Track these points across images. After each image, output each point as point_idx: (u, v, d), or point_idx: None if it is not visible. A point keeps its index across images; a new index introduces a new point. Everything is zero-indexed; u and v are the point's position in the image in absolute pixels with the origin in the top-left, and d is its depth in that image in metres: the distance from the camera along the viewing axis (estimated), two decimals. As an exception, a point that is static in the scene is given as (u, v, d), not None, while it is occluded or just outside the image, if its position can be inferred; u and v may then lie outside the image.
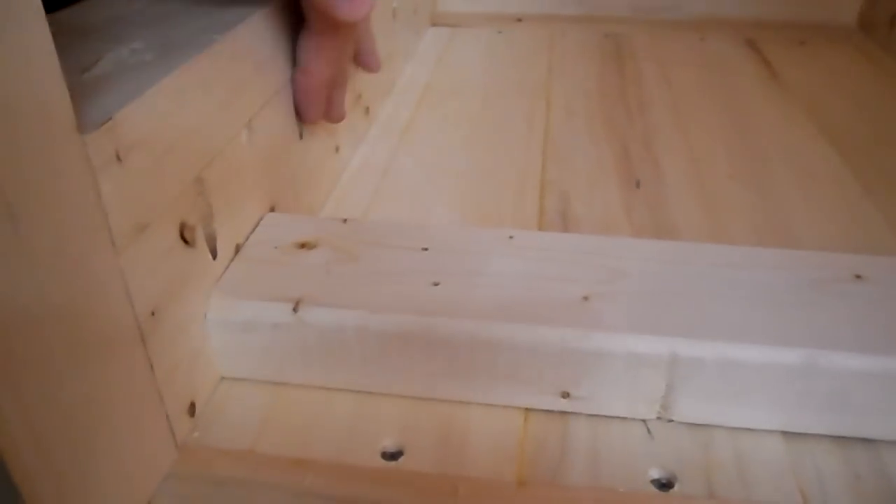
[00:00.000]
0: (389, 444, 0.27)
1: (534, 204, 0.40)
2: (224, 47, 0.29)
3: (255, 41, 0.31)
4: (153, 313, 0.24)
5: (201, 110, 0.27)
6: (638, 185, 0.42)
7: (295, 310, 0.27)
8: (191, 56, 0.26)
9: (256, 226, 0.32)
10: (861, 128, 0.50)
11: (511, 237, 0.31)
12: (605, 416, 0.27)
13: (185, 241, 0.27)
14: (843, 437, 0.27)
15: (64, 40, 0.21)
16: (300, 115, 0.36)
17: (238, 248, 0.31)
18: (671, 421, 0.27)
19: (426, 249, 0.30)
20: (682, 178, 0.43)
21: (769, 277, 0.29)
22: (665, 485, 0.25)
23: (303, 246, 0.31)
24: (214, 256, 0.29)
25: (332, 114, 0.38)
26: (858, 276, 0.29)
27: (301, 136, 0.37)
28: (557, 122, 0.50)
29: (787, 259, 0.30)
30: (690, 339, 0.26)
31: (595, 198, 0.41)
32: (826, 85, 0.57)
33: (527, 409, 0.28)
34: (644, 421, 0.27)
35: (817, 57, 0.62)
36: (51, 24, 0.19)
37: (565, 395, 0.27)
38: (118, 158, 0.22)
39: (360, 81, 0.47)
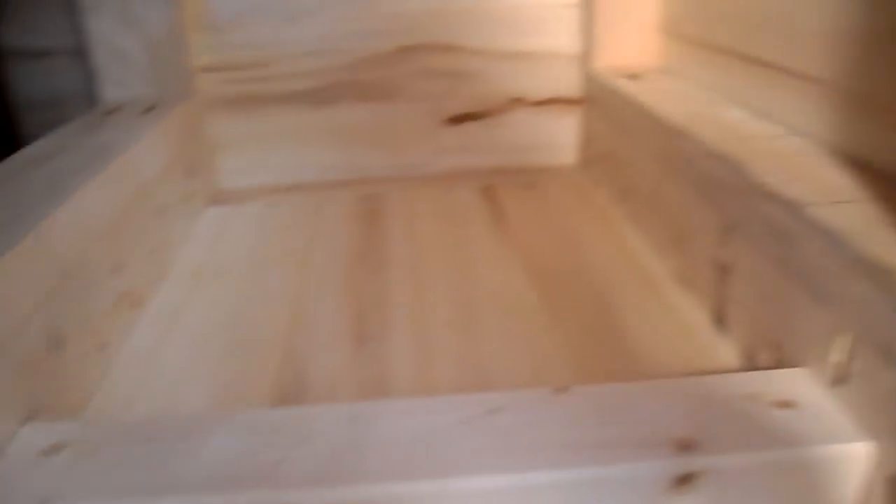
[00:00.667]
0: None
1: (275, 373, 0.47)
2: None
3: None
4: None
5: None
6: (368, 342, 0.50)
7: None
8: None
9: (11, 438, 0.37)
10: (563, 262, 0.61)
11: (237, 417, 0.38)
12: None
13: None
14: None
15: None
16: None
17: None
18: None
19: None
20: (407, 331, 0.52)
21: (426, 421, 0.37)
22: None
23: (53, 449, 0.36)
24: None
25: None
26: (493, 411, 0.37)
27: (59, 348, 0.43)
28: (307, 290, 0.58)
29: (436, 405, 0.38)
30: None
31: (329, 360, 0.49)
32: (544, 224, 0.68)
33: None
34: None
35: (542, 197, 0.75)
36: None
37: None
38: None
39: (131, 273, 0.53)
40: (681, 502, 0.33)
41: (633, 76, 0.71)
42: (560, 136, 0.82)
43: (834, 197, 0.40)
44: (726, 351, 0.48)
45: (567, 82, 0.80)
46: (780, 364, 0.42)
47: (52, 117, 0.76)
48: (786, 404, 0.36)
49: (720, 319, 0.50)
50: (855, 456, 0.33)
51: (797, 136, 0.51)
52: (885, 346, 0.33)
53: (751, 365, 0.46)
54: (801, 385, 0.38)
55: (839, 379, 0.36)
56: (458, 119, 0.81)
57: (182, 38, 0.73)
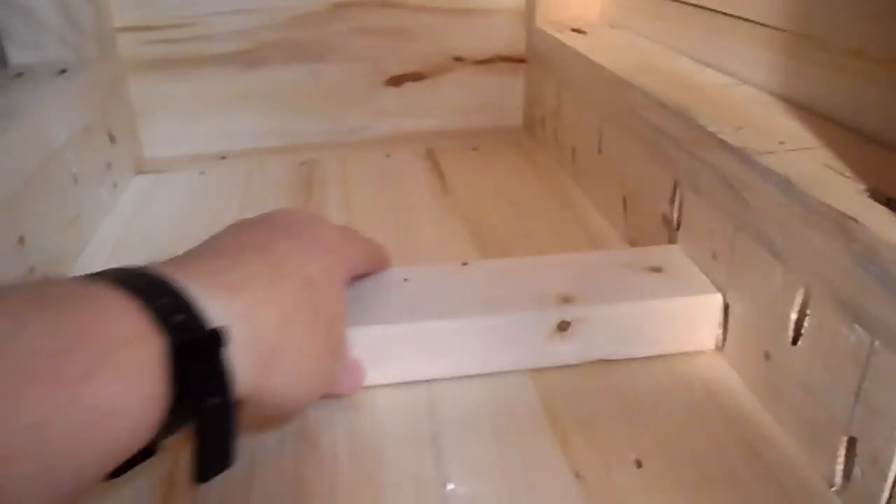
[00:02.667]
0: None
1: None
2: None
3: None
4: None
5: None
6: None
7: None
8: None
9: None
10: (507, 227, 0.58)
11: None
12: None
13: None
14: None
15: None
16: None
17: None
18: None
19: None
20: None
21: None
22: None
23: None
24: None
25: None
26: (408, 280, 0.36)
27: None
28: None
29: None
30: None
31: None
32: (487, 186, 0.65)
33: None
34: None
35: (486, 160, 0.72)
36: None
37: None
38: None
39: (42, 247, 0.49)
40: (562, 344, 0.40)
41: (578, 31, 0.69)
42: (504, 97, 0.79)
43: (786, 145, 0.38)
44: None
45: (510, 40, 0.77)
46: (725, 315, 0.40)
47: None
48: (656, 269, 0.43)
49: (670, 279, 0.48)
50: (709, 304, 0.41)
51: (747, 84, 0.49)
52: (840, 297, 0.31)
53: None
54: (674, 256, 0.45)
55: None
56: (398, 80, 0.77)
57: (97, -4, 0.67)
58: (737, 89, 0.48)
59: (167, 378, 0.23)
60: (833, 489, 0.32)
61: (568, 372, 0.41)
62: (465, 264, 0.44)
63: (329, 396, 0.38)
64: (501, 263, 0.45)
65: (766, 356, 0.37)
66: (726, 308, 0.41)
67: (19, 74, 0.64)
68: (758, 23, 0.48)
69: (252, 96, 0.76)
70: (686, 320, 0.41)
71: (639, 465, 0.34)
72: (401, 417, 0.38)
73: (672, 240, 0.47)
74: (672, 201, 0.46)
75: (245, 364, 0.26)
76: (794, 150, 0.38)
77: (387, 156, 0.73)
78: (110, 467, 0.23)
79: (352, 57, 0.75)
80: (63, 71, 0.64)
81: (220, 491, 0.33)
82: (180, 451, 0.35)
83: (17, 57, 0.68)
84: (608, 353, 0.41)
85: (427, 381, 0.40)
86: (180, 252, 0.31)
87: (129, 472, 0.25)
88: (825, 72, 0.42)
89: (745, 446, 0.35)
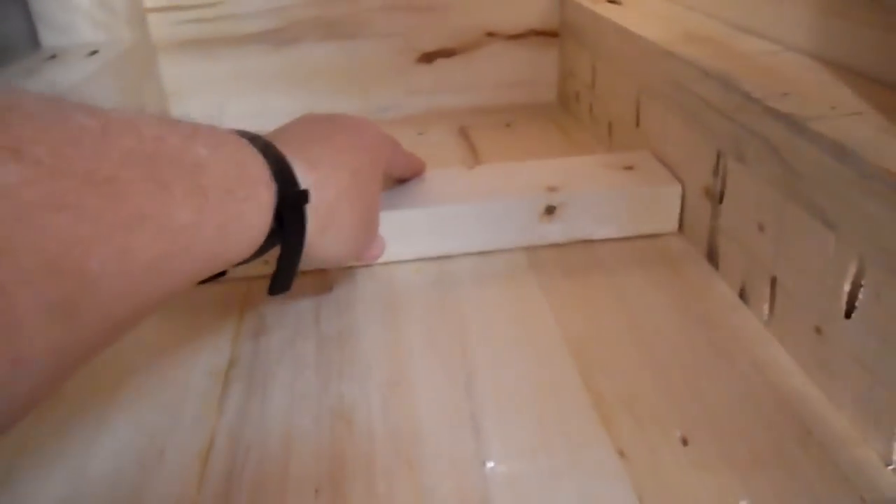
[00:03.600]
0: None
1: (232, 325, 0.44)
2: None
3: None
4: None
5: None
6: (331, 290, 0.46)
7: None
8: None
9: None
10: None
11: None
12: None
13: None
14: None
15: None
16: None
17: None
18: None
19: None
20: (370, 283, 0.48)
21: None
22: None
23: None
24: None
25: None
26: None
27: None
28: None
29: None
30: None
31: (287, 310, 0.45)
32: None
33: None
34: None
35: (520, 137, 0.70)
36: None
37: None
38: None
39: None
40: (549, 224, 0.49)
41: (613, 2, 0.67)
42: (538, 72, 0.77)
43: (837, 110, 0.36)
44: (720, 286, 0.44)
45: (543, 13, 0.75)
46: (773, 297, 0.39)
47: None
48: (629, 168, 0.52)
49: (712, 255, 0.46)
50: (667, 195, 0.50)
51: (791, 51, 0.47)
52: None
53: (745, 300, 0.42)
54: (644, 158, 0.53)
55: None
56: (430, 56, 0.76)
57: (127, -24, 0.67)
58: (781, 55, 0.46)
59: (272, 216, 0.31)
60: (890, 468, 0.31)
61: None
62: (471, 168, 0.53)
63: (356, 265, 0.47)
64: (501, 166, 0.53)
65: (818, 330, 0.35)
66: (773, 281, 0.39)
67: (52, 56, 0.64)
68: (804, -14, 0.46)
69: (284, 75, 0.75)
70: (651, 206, 0.50)
71: (685, 442, 0.33)
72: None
73: (715, 213, 0.45)
74: (715, 172, 0.45)
75: (312, 221, 0.34)
76: (845, 114, 0.36)
77: (419, 133, 0.72)
78: (224, 269, 0.30)
79: (383, 34, 0.74)
80: (94, 52, 0.64)
81: (255, 474, 0.33)
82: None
83: (48, 39, 0.68)
84: (588, 234, 0.50)
85: (438, 257, 0.49)
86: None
87: (212, 282, 0.31)
88: (875, 32, 0.40)
89: (797, 424, 0.34)
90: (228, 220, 0.28)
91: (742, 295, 0.43)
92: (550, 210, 0.48)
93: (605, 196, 0.49)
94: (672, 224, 0.50)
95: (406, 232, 0.48)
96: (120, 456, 0.35)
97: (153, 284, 0.24)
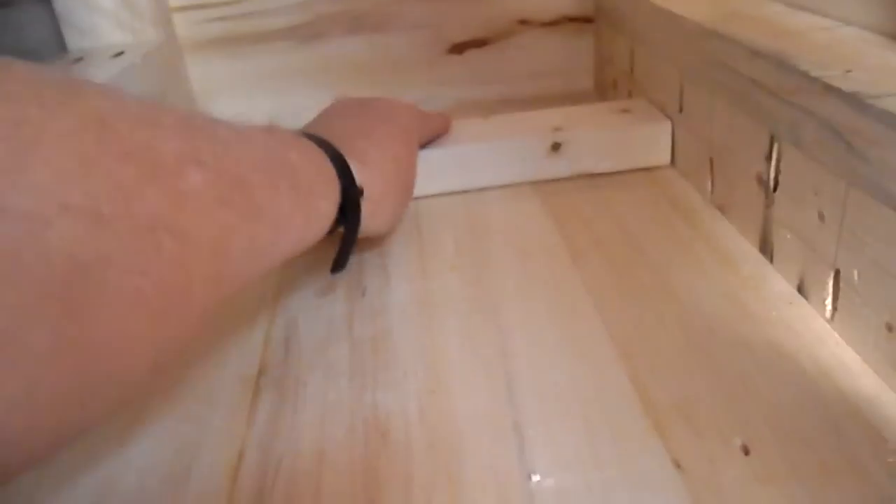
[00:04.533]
0: None
1: (261, 333, 0.42)
2: None
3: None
4: None
5: None
6: (364, 294, 0.44)
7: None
8: None
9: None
10: (581, 201, 0.54)
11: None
12: None
13: None
14: None
15: None
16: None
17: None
18: None
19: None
20: (408, 277, 0.46)
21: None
22: None
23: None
24: None
25: None
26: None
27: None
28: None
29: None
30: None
31: (321, 315, 0.43)
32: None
33: None
34: None
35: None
36: None
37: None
38: None
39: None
40: (555, 159, 0.56)
41: (651, -17, 0.64)
42: (573, 60, 0.75)
43: (905, 87, 0.33)
44: (776, 280, 0.42)
45: (578, -1, 0.72)
46: (835, 296, 0.36)
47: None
48: (625, 111, 0.58)
49: (765, 247, 0.43)
50: (659, 131, 0.56)
51: (850, 26, 0.44)
52: None
53: (804, 295, 0.40)
54: (639, 104, 0.60)
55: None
56: (460, 47, 0.73)
57: (151, -25, 0.66)
58: (839, 31, 0.43)
59: (337, 208, 0.37)
60: (978, 478, 0.28)
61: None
62: (485, 119, 0.60)
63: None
64: (512, 115, 0.60)
65: (889, 328, 0.33)
66: (836, 275, 0.36)
67: (79, 59, 0.63)
68: (860, -44, 0.43)
69: (311, 71, 0.73)
70: (645, 142, 0.56)
71: (746, 451, 0.31)
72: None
73: (769, 202, 0.42)
74: (768, 158, 0.42)
75: (365, 208, 0.40)
76: (914, 92, 0.33)
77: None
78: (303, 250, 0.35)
79: (411, 25, 0.72)
80: (120, 53, 0.63)
81: (287, 489, 0.31)
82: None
83: (75, 41, 0.67)
84: (590, 168, 0.56)
85: (461, 191, 0.56)
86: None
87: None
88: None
89: (869, 430, 0.31)
90: (311, 212, 0.34)
91: (801, 290, 0.40)
92: (556, 147, 0.55)
93: (604, 134, 0.55)
94: (665, 157, 0.56)
95: (434, 169, 0.55)
96: (147, 472, 0.33)
97: (261, 263, 0.30)
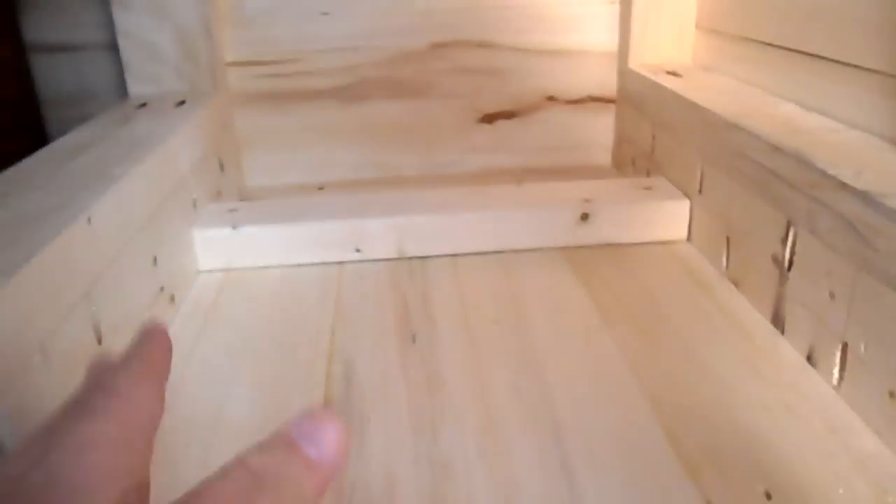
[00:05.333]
0: None
1: (321, 372, 0.46)
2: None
3: (51, 267, 0.36)
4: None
5: (-11, 349, 0.31)
6: (414, 340, 0.49)
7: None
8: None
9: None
10: (603, 263, 0.59)
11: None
12: None
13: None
14: None
15: None
16: None
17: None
18: None
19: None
20: (453, 327, 0.50)
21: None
22: None
23: None
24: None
25: None
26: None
27: (100, 342, 0.41)
28: (347, 288, 0.56)
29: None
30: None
31: (376, 357, 0.47)
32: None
33: None
34: None
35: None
36: None
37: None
38: None
39: (162, 271, 0.51)
40: (584, 228, 0.61)
41: (673, 73, 0.70)
42: (594, 136, 0.81)
43: (910, 189, 0.39)
44: (786, 349, 0.47)
45: (602, 81, 0.79)
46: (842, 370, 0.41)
47: (77, 113, 0.75)
48: (647, 188, 0.64)
49: (778, 319, 0.48)
50: (678, 209, 0.62)
51: (856, 129, 0.50)
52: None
53: (813, 364, 0.44)
54: (660, 182, 0.66)
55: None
56: (491, 117, 0.79)
57: (212, 32, 0.71)
58: (847, 134, 0.49)
59: None
60: (969, 530, 0.33)
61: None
62: (519, 184, 0.66)
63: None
64: (544, 184, 0.66)
65: (892, 395, 0.37)
66: (844, 347, 0.41)
67: (142, 105, 0.68)
68: (866, 68, 0.49)
69: (350, 130, 0.79)
70: (665, 218, 0.62)
71: (768, 496, 0.35)
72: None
73: (783, 279, 0.48)
74: (784, 241, 0.47)
75: None
76: (919, 194, 0.38)
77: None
78: None
79: (448, 94, 0.78)
80: (181, 102, 0.68)
81: None
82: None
83: (135, 88, 0.72)
84: (614, 238, 0.62)
85: (504, 251, 0.61)
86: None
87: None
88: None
89: (874, 485, 0.36)
90: None
91: (810, 359, 0.45)
92: (584, 217, 0.61)
93: (628, 209, 0.61)
94: (682, 233, 0.62)
95: (473, 230, 0.60)
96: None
97: None
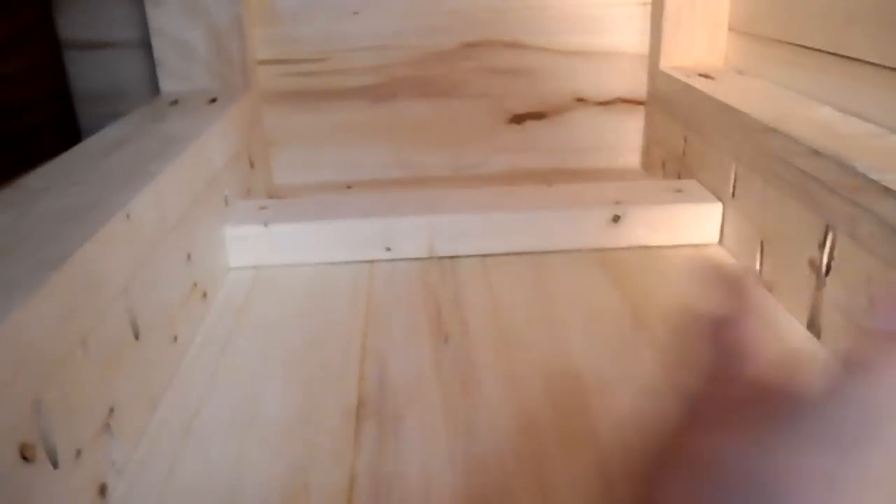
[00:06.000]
0: None
1: (354, 371, 0.46)
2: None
3: (92, 262, 0.36)
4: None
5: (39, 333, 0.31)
6: (447, 340, 0.49)
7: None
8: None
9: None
10: (632, 264, 0.59)
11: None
12: None
13: (26, 459, 0.30)
14: None
15: None
16: None
17: (79, 453, 0.34)
18: None
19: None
20: (486, 328, 0.50)
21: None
22: None
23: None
24: (56, 467, 0.32)
25: None
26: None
27: (137, 337, 0.41)
28: (378, 287, 0.56)
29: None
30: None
31: (409, 356, 0.47)
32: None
33: None
34: None
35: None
36: None
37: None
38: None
39: (195, 267, 0.52)
40: (616, 228, 0.61)
41: (705, 76, 0.70)
42: (624, 138, 0.80)
43: (956, 195, 0.39)
44: (822, 356, 0.46)
45: (632, 82, 0.78)
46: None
47: (109, 110, 0.75)
48: (679, 191, 0.64)
49: (813, 325, 0.48)
50: (710, 211, 0.61)
51: (892, 134, 0.49)
52: None
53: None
54: (691, 185, 0.65)
55: None
56: (520, 118, 0.79)
57: (244, 31, 0.72)
58: (888, 139, 0.49)
59: None
60: None
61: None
62: (549, 185, 0.67)
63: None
64: (575, 185, 0.67)
65: (935, 404, 0.37)
66: (885, 355, 0.41)
67: (174, 102, 0.68)
68: (907, 73, 0.48)
69: (379, 129, 0.79)
70: (697, 221, 0.61)
71: None
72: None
73: (820, 283, 0.47)
74: (822, 246, 0.47)
75: None
76: (965, 200, 0.38)
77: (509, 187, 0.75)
78: None
79: (477, 94, 0.78)
80: (213, 100, 0.68)
81: None
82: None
83: (167, 85, 0.73)
84: (644, 240, 0.61)
85: (535, 252, 0.61)
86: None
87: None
88: None
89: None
90: None
91: (847, 363, 0.44)
92: (616, 219, 0.60)
93: (660, 211, 0.61)
94: (714, 236, 0.61)
95: (503, 230, 0.60)
96: (266, 485, 0.37)
97: None
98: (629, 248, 0.61)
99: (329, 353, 0.48)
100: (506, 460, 0.38)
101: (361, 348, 0.48)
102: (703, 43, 0.74)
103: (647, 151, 0.80)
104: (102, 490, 0.36)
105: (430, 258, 0.60)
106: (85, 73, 0.78)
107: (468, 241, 0.61)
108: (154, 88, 0.74)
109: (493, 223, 0.60)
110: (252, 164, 0.71)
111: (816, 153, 0.47)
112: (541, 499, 0.35)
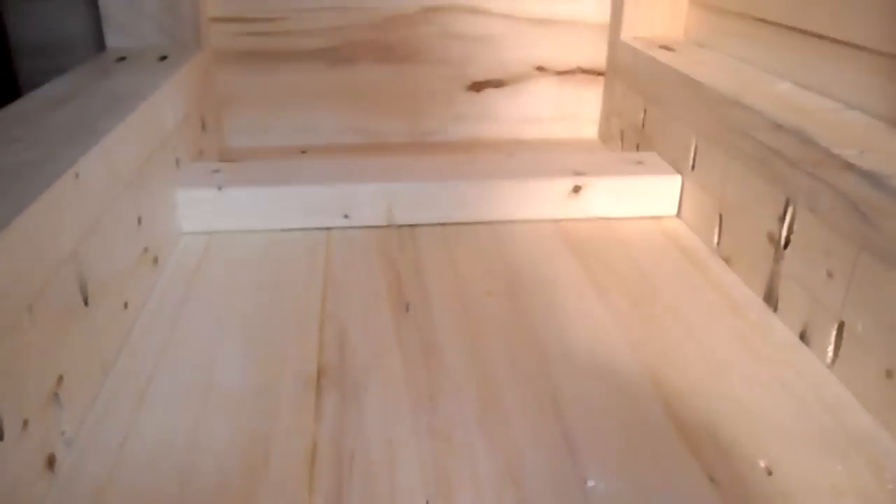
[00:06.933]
0: None
1: (314, 339, 0.45)
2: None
3: (39, 224, 0.34)
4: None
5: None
6: (407, 308, 0.48)
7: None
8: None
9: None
10: (593, 236, 0.59)
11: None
12: None
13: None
14: None
15: None
16: None
17: (26, 424, 0.33)
18: None
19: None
20: (446, 297, 0.50)
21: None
22: None
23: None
24: (1, 438, 0.31)
25: None
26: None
27: (86, 303, 0.39)
28: (336, 254, 0.55)
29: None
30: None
31: (369, 325, 0.46)
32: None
33: None
34: None
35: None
36: None
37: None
38: None
39: (146, 231, 0.50)
40: (576, 200, 0.61)
41: (666, 48, 0.70)
42: (581, 108, 0.80)
43: (914, 170, 0.39)
44: (779, 327, 0.47)
45: (592, 53, 0.78)
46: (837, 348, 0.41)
47: (50, 64, 0.72)
48: (639, 162, 0.64)
49: (771, 297, 0.49)
50: (670, 184, 0.62)
51: (855, 110, 0.50)
52: None
53: (806, 342, 0.45)
54: (652, 157, 0.65)
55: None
56: (479, 85, 0.78)
57: (196, -14, 0.69)
58: (846, 114, 0.49)
59: None
60: (965, 508, 0.33)
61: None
62: (510, 155, 0.66)
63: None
64: (535, 155, 0.68)
65: (889, 374, 0.38)
66: (840, 326, 0.42)
67: (122, 59, 0.65)
68: (866, 48, 0.49)
69: (336, 93, 0.77)
70: (656, 193, 0.62)
71: (769, 472, 0.35)
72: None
73: (778, 256, 0.48)
74: (781, 220, 0.47)
75: None
76: (923, 176, 0.38)
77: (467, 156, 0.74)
78: None
79: (436, 60, 0.77)
80: (164, 57, 0.66)
81: (364, 477, 0.34)
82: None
83: (114, 41, 0.69)
84: (605, 212, 0.61)
85: (495, 221, 0.61)
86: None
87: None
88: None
89: (871, 463, 0.36)
90: None
91: (803, 337, 0.45)
92: (577, 189, 0.60)
93: (619, 182, 0.61)
94: (672, 208, 0.62)
95: (463, 199, 0.60)
96: (225, 457, 0.36)
97: None
98: (588, 220, 0.61)
99: (287, 321, 0.47)
100: (469, 428, 0.38)
101: (320, 316, 0.47)
102: (664, 15, 0.74)
103: (605, 122, 0.80)
104: (50, 461, 0.34)
105: (389, 226, 0.60)
106: (24, 24, 0.74)
107: (428, 210, 0.60)
108: (99, 43, 0.71)
109: (454, 192, 0.59)
110: (204, 126, 0.69)
111: (779, 127, 0.47)
112: (504, 466, 0.35)
